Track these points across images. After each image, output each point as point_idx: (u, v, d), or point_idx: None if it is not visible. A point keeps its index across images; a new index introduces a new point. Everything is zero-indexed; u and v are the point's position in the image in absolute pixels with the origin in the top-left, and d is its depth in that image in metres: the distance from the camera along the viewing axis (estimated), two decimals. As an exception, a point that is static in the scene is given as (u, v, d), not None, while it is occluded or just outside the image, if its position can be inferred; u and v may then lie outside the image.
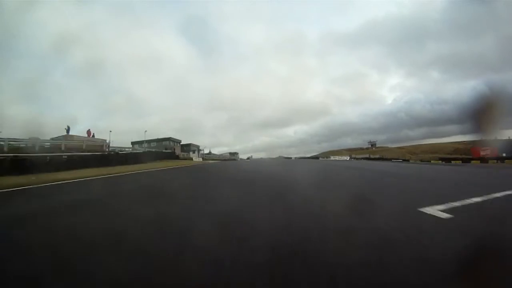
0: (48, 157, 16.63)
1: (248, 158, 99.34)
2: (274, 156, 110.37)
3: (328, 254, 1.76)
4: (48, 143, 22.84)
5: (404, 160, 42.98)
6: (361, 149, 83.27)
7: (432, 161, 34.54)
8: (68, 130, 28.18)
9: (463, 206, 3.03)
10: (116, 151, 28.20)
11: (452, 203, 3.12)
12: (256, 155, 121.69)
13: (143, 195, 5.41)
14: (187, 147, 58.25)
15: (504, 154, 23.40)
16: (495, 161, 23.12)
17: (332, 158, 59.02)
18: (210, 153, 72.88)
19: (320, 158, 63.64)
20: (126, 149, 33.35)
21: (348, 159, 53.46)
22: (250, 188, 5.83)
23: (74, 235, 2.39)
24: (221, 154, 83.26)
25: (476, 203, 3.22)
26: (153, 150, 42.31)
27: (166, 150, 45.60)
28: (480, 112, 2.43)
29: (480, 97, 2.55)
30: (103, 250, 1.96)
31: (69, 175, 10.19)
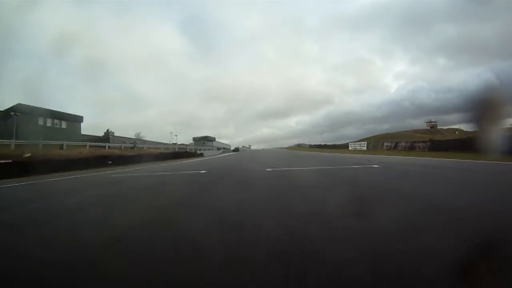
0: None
1: (236, 150, 64.81)
2: (285, 146, 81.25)
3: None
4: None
5: None
6: (430, 131, 58.26)
7: None
8: None
9: None
10: None
11: None
12: (256, 147, 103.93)
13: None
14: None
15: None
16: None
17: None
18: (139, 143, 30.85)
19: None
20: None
21: None
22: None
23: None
24: (182, 145, 42.24)
25: None
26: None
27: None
28: (484, 104, 2.21)
29: (485, 87, 2.31)
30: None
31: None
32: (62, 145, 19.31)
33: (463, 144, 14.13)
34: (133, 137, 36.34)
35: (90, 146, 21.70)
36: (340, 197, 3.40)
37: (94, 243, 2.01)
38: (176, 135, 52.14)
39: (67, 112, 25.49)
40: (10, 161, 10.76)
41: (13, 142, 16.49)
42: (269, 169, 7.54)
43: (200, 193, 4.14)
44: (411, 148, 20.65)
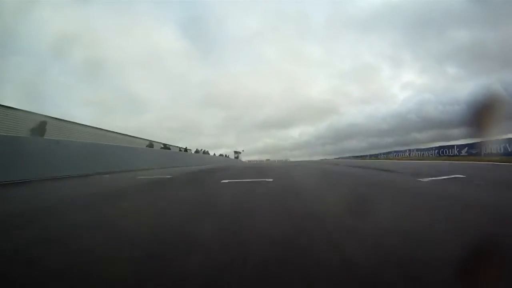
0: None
1: None
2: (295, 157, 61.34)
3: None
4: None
5: None
6: None
7: None
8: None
9: None
10: None
11: None
12: (258, 157, 73.50)
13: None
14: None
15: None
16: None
17: None
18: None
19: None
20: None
21: None
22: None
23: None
24: None
25: None
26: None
27: None
28: (486, 111, 2.10)
29: (488, 95, 2.15)
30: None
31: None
32: None
33: None
34: None
35: None
36: None
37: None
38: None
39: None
40: None
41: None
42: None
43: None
44: None
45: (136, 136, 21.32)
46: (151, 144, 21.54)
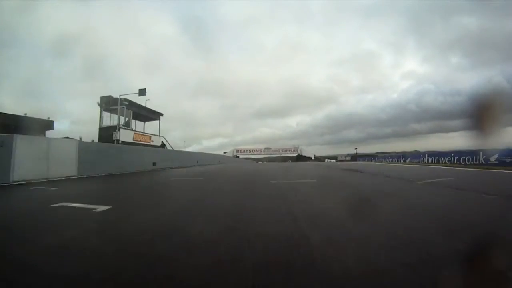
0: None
1: None
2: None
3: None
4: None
5: None
6: None
7: None
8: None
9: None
10: None
11: None
12: (256, 146, 62.52)
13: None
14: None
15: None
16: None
17: None
18: None
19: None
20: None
21: None
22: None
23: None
24: None
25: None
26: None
27: None
28: (487, 103, 2.09)
29: (492, 89, 2.16)
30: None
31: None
32: None
33: None
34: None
35: None
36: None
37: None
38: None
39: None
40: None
41: None
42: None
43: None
44: None
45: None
46: None
